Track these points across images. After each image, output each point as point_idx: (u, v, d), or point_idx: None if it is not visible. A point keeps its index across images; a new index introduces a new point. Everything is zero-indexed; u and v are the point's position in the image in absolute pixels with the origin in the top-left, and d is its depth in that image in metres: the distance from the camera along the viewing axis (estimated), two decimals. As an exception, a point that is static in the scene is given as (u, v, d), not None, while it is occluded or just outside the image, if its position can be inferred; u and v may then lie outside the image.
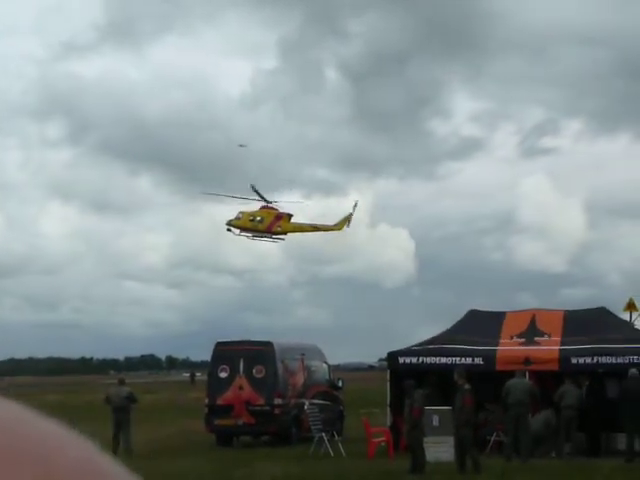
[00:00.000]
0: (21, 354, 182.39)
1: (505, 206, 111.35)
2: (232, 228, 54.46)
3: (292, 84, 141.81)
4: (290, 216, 54.41)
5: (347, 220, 53.07)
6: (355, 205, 54.19)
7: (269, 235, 55.03)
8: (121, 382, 24.83)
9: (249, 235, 55.33)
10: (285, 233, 55.00)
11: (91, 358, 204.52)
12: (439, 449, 20.29)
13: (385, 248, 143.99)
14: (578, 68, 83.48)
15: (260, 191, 54.24)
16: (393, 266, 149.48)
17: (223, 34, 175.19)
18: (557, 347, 21.99)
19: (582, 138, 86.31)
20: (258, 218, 54.02)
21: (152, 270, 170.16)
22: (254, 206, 55.04)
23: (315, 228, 54.89)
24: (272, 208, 54.42)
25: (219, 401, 24.81)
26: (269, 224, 53.90)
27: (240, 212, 54.11)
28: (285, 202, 54.91)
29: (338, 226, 53.63)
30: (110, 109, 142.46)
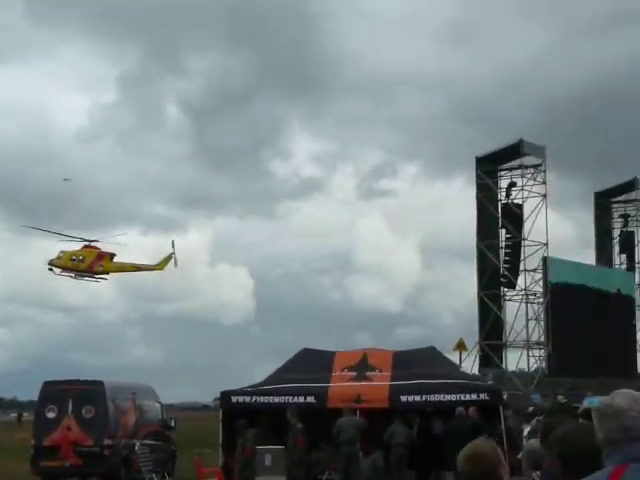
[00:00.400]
0: None
1: (343, 246, 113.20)
2: (53, 268, 54.30)
3: (131, 119, 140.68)
4: (112, 255, 54.65)
5: (168, 259, 54.26)
6: (173, 244, 54.98)
7: (90, 274, 55.04)
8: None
9: (71, 275, 55.19)
10: (107, 272, 55.13)
11: None
12: (270, 488, 20.27)
13: (224, 286, 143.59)
14: (416, 112, 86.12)
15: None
16: (232, 305, 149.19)
17: (62, 67, 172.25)
18: (387, 383, 22.35)
19: (418, 181, 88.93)
20: (79, 257, 54.09)
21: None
22: (76, 245, 55.14)
23: (137, 268, 55.23)
24: (94, 247, 54.51)
25: (46, 442, 24.03)
26: (90, 263, 54.05)
27: (61, 251, 54.16)
28: (108, 242, 54.96)
29: (159, 266, 54.41)
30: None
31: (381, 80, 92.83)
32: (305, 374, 23.00)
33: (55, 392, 24.35)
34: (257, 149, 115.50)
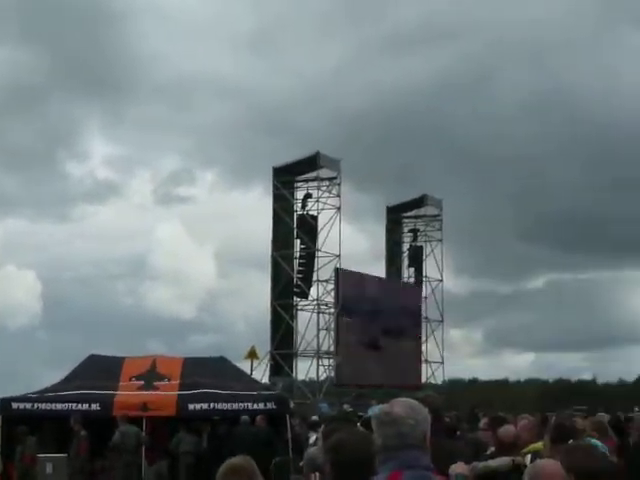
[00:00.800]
0: None
1: (139, 252, 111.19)
2: None
3: None
4: None
5: None
6: None
7: None
8: None
9: None
10: None
11: None
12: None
13: (10, 290, 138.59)
14: (215, 120, 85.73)
15: None
16: (17, 308, 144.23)
17: None
18: (175, 392, 22.16)
19: (216, 189, 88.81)
20: None
21: None
22: None
23: None
24: None
25: None
26: None
27: None
28: None
29: None
30: None
31: (180, 85, 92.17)
32: (92, 381, 22.49)
33: None
34: (51, 150, 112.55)
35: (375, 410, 20.20)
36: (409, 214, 55.14)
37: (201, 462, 21.14)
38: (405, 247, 55.25)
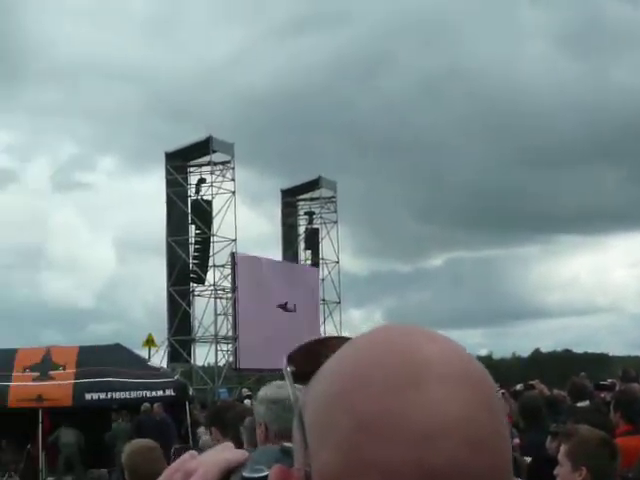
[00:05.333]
0: None
1: (35, 240, 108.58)
2: None
3: None
4: None
5: None
6: None
7: None
8: None
9: None
10: None
11: None
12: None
13: None
14: (110, 104, 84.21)
15: None
16: None
17: None
18: (72, 381, 21.82)
19: (113, 175, 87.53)
20: None
21: None
22: None
23: None
24: None
25: None
26: None
27: None
28: None
29: None
30: None
31: (73, 70, 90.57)
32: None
33: None
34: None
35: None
36: (304, 197, 55.22)
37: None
38: (301, 230, 55.38)
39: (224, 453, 1.07)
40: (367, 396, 0.85)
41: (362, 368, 0.88)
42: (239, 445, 4.44)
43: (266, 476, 0.98)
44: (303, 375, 0.95)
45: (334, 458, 0.86)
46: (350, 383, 0.87)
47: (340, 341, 0.98)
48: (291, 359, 0.97)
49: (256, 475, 1.03)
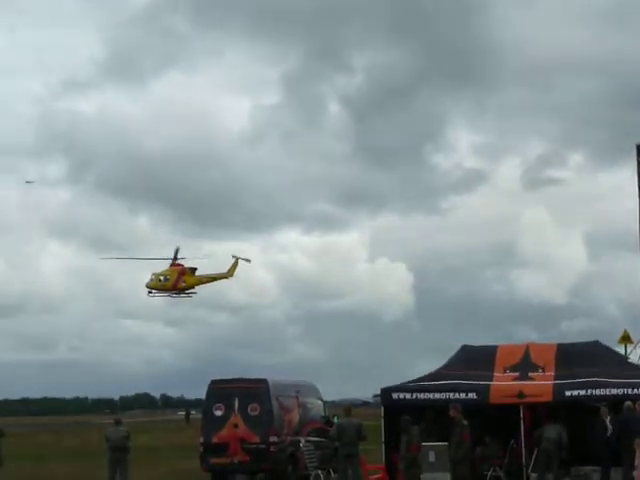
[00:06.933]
0: (15, 395, 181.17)
1: (507, 239, 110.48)
2: (152, 290, 59.89)
3: (293, 119, 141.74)
4: (194, 270, 59.85)
5: (235, 266, 59.43)
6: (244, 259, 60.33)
7: (176, 292, 60.43)
8: (117, 422, 24.63)
9: (165, 294, 60.65)
10: (190, 287, 60.32)
11: (85, 398, 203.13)
12: (435, 485, 20.27)
13: (384, 282, 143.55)
14: (577, 99, 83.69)
15: (178, 252, 59.55)
16: (391, 300, 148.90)
17: (224, 70, 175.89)
18: (551, 382, 22.00)
19: (583, 170, 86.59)
20: (165, 277, 59.57)
21: (151, 308, 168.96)
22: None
23: (212, 278, 60.49)
24: (178, 265, 59.64)
25: (214, 439, 24.69)
26: (174, 281, 59.87)
27: (152, 273, 59.51)
28: (191, 258, 60.13)
29: (229, 273, 59.81)
30: (109, 146, 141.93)
31: (541, 67, 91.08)
32: (466, 371, 22.88)
33: (221, 390, 24.99)
34: (418, 145, 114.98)
35: None
36: None
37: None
38: None
39: None
40: None
41: None
42: None
43: None
44: None
45: None
46: None
47: None
48: None
49: None
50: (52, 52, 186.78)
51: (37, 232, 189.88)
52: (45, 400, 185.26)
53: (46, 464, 35.30)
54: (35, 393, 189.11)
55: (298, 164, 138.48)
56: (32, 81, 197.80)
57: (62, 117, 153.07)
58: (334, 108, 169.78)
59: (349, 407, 22.08)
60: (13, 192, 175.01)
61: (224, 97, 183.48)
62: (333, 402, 68.83)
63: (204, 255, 61.31)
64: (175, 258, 59.66)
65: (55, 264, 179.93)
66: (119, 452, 23.07)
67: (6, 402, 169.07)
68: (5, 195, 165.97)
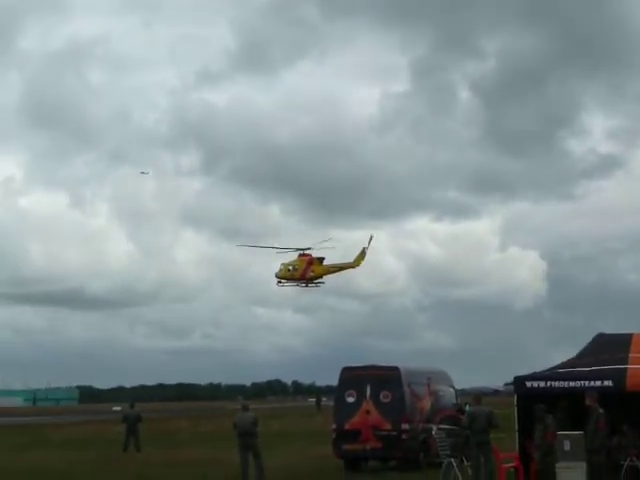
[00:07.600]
0: (151, 381, 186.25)
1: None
2: (281, 280, 61.07)
3: (422, 106, 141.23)
4: (321, 260, 60.47)
5: (363, 255, 59.84)
6: (370, 239, 59.63)
7: (305, 282, 61.23)
8: (245, 408, 24.99)
9: (294, 284, 61.64)
10: (319, 277, 61.05)
11: (219, 384, 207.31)
12: (571, 474, 19.95)
13: (515, 270, 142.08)
14: None
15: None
16: (522, 288, 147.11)
17: (353, 58, 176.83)
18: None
19: None
20: (294, 267, 60.43)
21: (282, 295, 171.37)
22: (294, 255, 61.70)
23: (339, 268, 61.00)
24: (305, 255, 60.45)
25: (347, 426, 24.94)
26: (303, 271, 60.57)
27: (281, 264, 60.61)
28: (318, 249, 60.56)
29: (356, 262, 60.05)
30: (240, 137, 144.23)
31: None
32: (602, 358, 22.43)
33: (353, 377, 25.21)
34: (551, 130, 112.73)
35: None
36: None
37: None
38: None
39: None
40: None
41: None
42: None
43: None
44: None
45: None
46: None
47: None
48: None
49: None
50: (185, 45, 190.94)
51: (172, 222, 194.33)
52: (180, 386, 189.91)
53: (183, 449, 36.11)
54: (170, 379, 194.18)
55: (427, 151, 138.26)
56: (166, 74, 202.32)
57: (195, 109, 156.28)
58: (464, 94, 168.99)
59: (479, 395, 22.03)
60: (150, 183, 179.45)
61: (353, 86, 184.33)
62: (463, 390, 68.73)
63: (328, 241, 61.49)
64: (300, 249, 60.75)
65: (189, 253, 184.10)
66: (247, 437, 23.37)
67: (142, 388, 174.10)
68: (140, 186, 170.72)
